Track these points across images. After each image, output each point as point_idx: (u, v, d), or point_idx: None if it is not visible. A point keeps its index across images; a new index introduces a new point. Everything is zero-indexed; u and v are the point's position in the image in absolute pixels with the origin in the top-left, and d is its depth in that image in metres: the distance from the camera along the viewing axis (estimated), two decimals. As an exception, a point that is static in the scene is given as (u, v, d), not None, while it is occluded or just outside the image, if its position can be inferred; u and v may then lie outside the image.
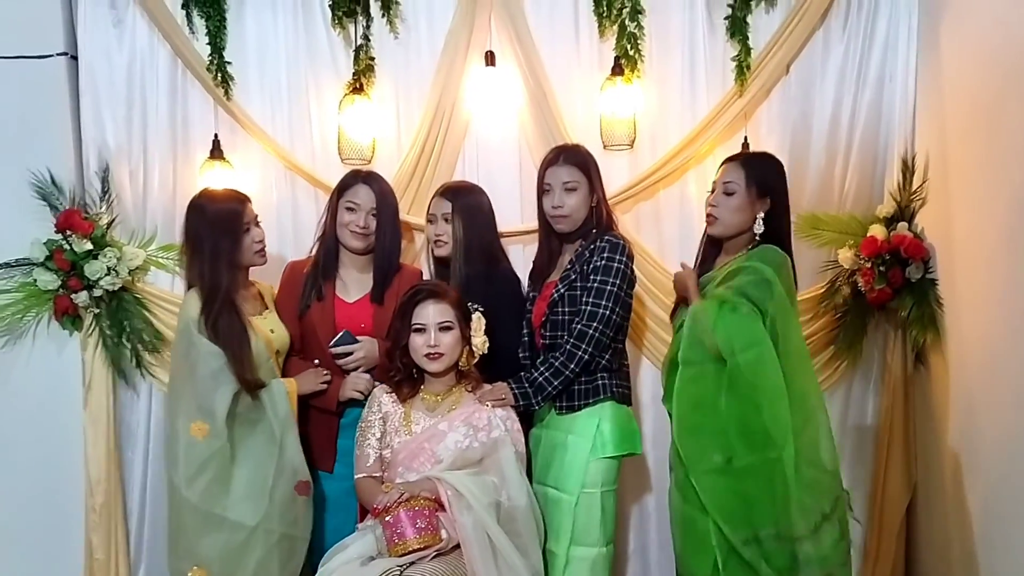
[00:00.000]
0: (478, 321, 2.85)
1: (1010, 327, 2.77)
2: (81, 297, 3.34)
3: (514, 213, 3.34)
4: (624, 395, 2.93)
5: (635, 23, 3.39)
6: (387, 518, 2.55)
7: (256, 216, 2.94)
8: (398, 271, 3.05)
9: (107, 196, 3.46)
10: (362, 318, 3.00)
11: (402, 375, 2.85)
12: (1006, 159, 2.80)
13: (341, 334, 2.92)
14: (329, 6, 3.41)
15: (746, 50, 3.39)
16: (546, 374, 2.83)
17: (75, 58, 3.49)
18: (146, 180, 3.52)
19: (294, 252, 3.48)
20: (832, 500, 2.58)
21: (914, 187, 3.36)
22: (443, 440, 2.77)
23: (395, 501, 2.57)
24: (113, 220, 3.47)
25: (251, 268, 2.99)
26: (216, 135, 3.46)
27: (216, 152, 3.44)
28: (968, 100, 3.06)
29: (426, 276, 3.21)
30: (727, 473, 2.59)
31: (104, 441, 3.44)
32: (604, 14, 3.42)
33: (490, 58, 3.40)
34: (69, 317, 3.40)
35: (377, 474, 2.81)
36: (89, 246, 3.32)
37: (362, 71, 3.44)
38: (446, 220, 3.05)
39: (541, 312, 2.95)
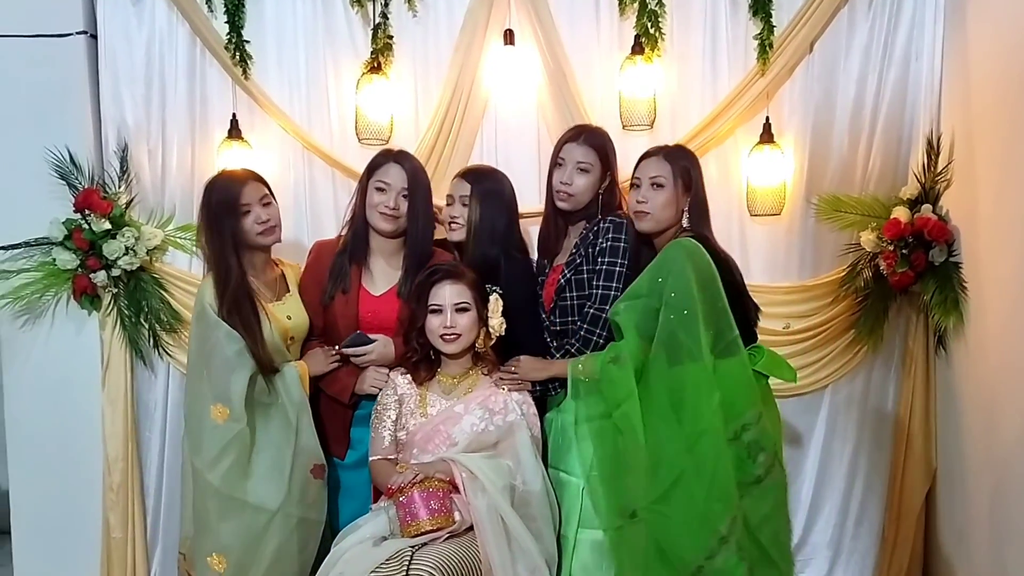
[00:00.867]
0: (495, 303, 2.83)
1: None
2: (99, 277, 3.35)
3: (532, 193, 3.30)
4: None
5: (656, 1, 3.35)
6: (401, 498, 2.55)
7: (263, 196, 2.90)
8: (430, 256, 2.98)
9: (126, 175, 3.46)
10: (387, 313, 2.93)
11: (419, 356, 2.84)
12: (1034, 140, 2.75)
13: (354, 335, 2.88)
14: (348, -16, 3.40)
15: (769, 28, 3.33)
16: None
17: (94, 37, 3.48)
18: (164, 159, 3.52)
19: (311, 232, 3.49)
20: (728, 522, 2.52)
21: (939, 168, 3.30)
22: (459, 423, 2.76)
23: (409, 482, 2.56)
24: (132, 200, 3.47)
25: (275, 247, 2.99)
26: (234, 114, 3.45)
27: (234, 132, 3.43)
28: (995, 79, 3.00)
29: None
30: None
31: (122, 421, 3.46)
32: (624, -9, 3.37)
33: (509, 37, 3.36)
34: (88, 297, 3.41)
35: (392, 456, 2.80)
36: (107, 226, 3.33)
37: (380, 50, 3.42)
38: (464, 203, 3.00)
39: (549, 297, 2.93)
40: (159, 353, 3.51)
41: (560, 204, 2.93)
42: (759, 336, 2.86)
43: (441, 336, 2.76)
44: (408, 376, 2.86)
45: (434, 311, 2.77)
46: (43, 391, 3.50)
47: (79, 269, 3.36)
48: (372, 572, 2.40)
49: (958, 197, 3.24)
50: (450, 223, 3.04)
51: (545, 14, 3.39)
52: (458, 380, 2.85)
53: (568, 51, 3.43)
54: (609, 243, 2.81)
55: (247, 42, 3.42)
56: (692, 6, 3.42)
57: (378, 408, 2.86)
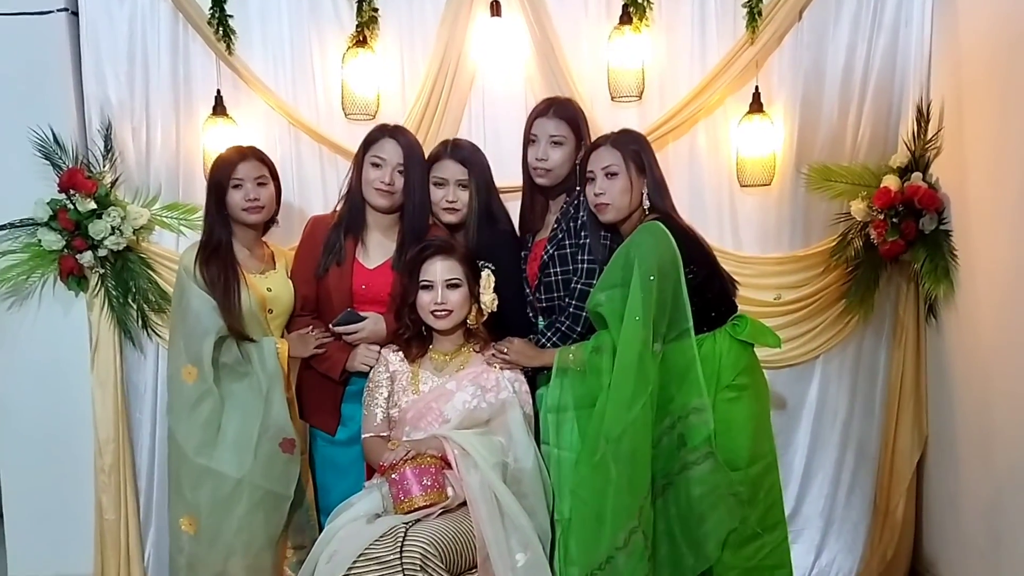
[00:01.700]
0: (487, 279, 2.81)
1: (1026, 279, 2.73)
2: (86, 257, 3.32)
3: (518, 166, 3.28)
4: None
5: (644, -30, 3.31)
6: (393, 475, 2.55)
7: (260, 176, 2.91)
8: (427, 231, 2.96)
9: (110, 154, 3.42)
10: (380, 286, 2.92)
11: (410, 333, 2.83)
12: (1024, 106, 2.73)
13: (345, 312, 2.87)
14: (331, -44, 3.35)
15: (758, -5, 3.30)
16: (554, 339, 2.81)
17: (76, 14, 3.44)
18: (149, 138, 3.48)
19: (298, 208, 3.46)
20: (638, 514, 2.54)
21: (929, 136, 3.28)
22: (451, 400, 2.75)
23: (401, 459, 2.56)
24: (117, 179, 3.44)
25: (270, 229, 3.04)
26: (219, 91, 3.41)
27: (219, 108, 3.40)
28: (985, 45, 2.98)
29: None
30: None
31: (112, 402, 3.44)
32: (612, -40, 3.34)
33: (495, 8, 3.33)
34: (75, 278, 3.38)
35: (384, 433, 2.80)
36: (93, 205, 3.30)
37: (365, 23, 3.38)
38: (462, 186, 2.95)
39: (533, 274, 2.91)
40: (148, 333, 3.49)
41: (539, 180, 2.90)
42: (749, 308, 2.86)
43: (432, 312, 2.75)
44: (400, 353, 2.84)
45: (425, 287, 2.76)
46: (31, 374, 3.48)
47: (65, 250, 3.34)
48: (366, 549, 2.40)
49: (948, 165, 3.23)
50: (446, 207, 2.97)
51: (532, -16, 3.36)
52: (450, 357, 2.84)
53: (555, 22, 3.40)
54: (591, 216, 2.79)
55: (230, 16, 3.38)
56: (680, -26, 3.38)
57: (370, 385, 2.85)
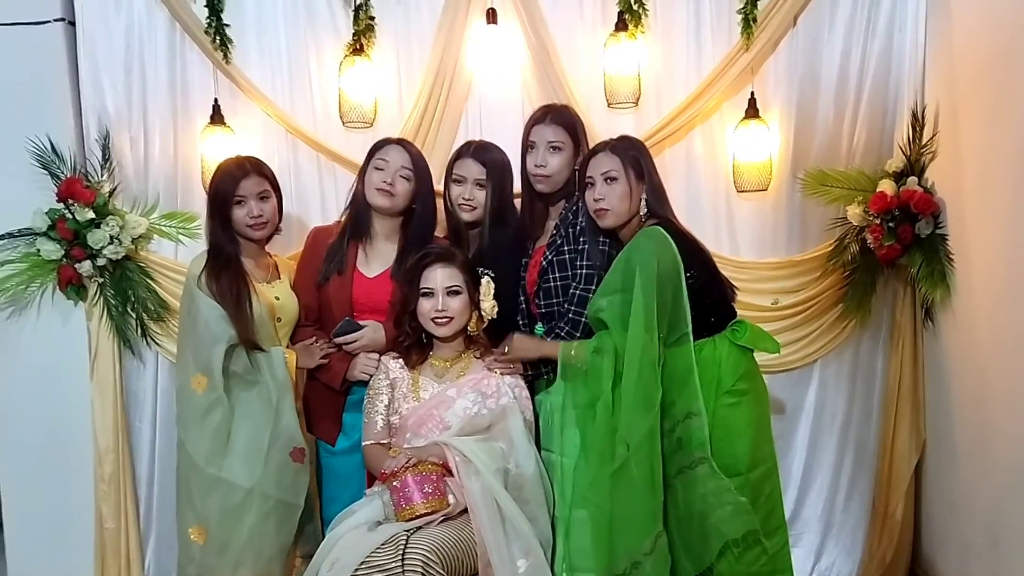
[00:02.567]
0: (487, 285, 2.82)
1: (1021, 282, 2.74)
2: (85, 267, 3.32)
3: (518, 173, 3.29)
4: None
5: (638, -24, 3.33)
6: (394, 483, 2.55)
7: (263, 191, 2.93)
8: (430, 242, 2.98)
9: (108, 164, 3.43)
10: (380, 295, 2.94)
11: (411, 340, 2.84)
12: (1018, 109, 2.74)
13: (343, 322, 2.89)
14: (327, -36, 3.36)
15: (752, 1, 3.30)
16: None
17: (73, 24, 3.44)
18: (147, 147, 3.49)
19: (296, 217, 3.46)
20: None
21: (924, 140, 3.30)
22: (451, 406, 2.76)
23: (402, 466, 2.56)
24: (115, 188, 3.44)
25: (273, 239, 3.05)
26: (216, 100, 3.42)
27: (216, 117, 3.41)
28: (979, 49, 3.00)
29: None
30: None
31: (111, 411, 3.44)
32: (606, -33, 3.35)
33: (491, 15, 3.34)
34: (73, 287, 3.38)
35: (385, 441, 2.81)
36: (91, 215, 3.30)
37: (362, 31, 3.39)
38: (479, 186, 2.97)
39: (533, 280, 2.92)
40: (147, 342, 3.49)
41: (538, 187, 2.92)
42: (747, 313, 2.87)
43: (433, 319, 2.76)
44: (400, 360, 2.86)
45: (425, 294, 2.77)
46: (31, 383, 3.48)
47: (64, 259, 3.33)
48: (368, 557, 2.40)
49: (943, 169, 3.24)
50: (461, 204, 3.00)
51: (527, -8, 3.37)
52: (450, 364, 2.85)
53: (551, 29, 3.41)
54: (590, 222, 2.80)
55: (227, 26, 3.38)
56: (675, -19, 3.40)
57: (370, 393, 2.85)
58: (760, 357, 2.83)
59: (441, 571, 2.39)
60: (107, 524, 3.47)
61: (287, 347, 2.95)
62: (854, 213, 3.32)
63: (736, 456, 2.61)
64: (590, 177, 2.78)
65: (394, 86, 3.49)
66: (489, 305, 2.81)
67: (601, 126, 3.35)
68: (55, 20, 3.41)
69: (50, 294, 3.44)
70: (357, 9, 3.39)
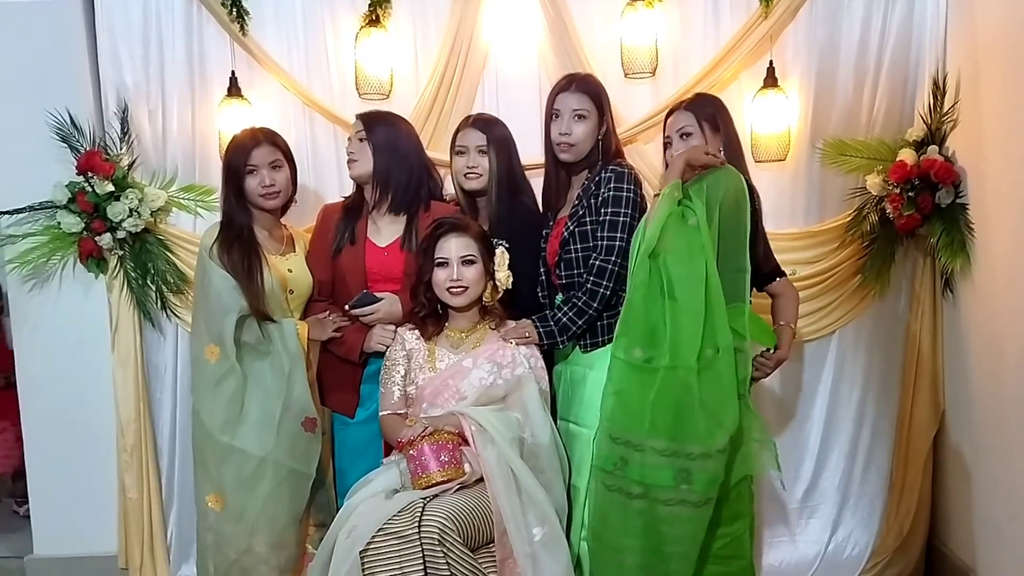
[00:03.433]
0: (501, 256, 2.83)
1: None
2: (105, 239, 3.35)
3: (534, 145, 3.26)
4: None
5: (656, -57, 3.29)
6: (411, 451, 2.57)
7: (275, 160, 2.94)
8: (427, 210, 3.00)
9: (127, 137, 3.45)
10: (393, 264, 2.96)
11: (426, 311, 2.85)
12: (1041, 78, 2.71)
13: (360, 295, 2.90)
14: (344, -65, 3.35)
15: (771, -31, 3.28)
16: (570, 314, 2.81)
17: (91, -3, 3.46)
18: (165, 120, 3.50)
19: (313, 190, 3.48)
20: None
21: (945, 109, 3.26)
22: (467, 377, 2.77)
23: (419, 435, 2.58)
24: (134, 161, 3.46)
25: (288, 211, 3.08)
26: (233, 72, 3.43)
27: (234, 89, 3.42)
28: (1001, 16, 2.96)
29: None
30: None
31: (132, 382, 3.49)
32: (623, -66, 3.32)
33: (508, -15, 3.33)
34: (94, 260, 3.42)
35: (402, 411, 2.82)
36: (111, 188, 3.32)
37: (378, 2, 3.38)
38: (481, 152, 3.00)
39: (554, 251, 2.92)
40: (167, 314, 3.52)
41: (562, 156, 2.91)
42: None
43: (448, 289, 2.77)
44: (416, 331, 2.86)
45: (440, 264, 2.77)
46: (53, 355, 3.53)
47: (84, 232, 3.37)
48: (385, 524, 2.43)
49: (964, 138, 3.21)
50: (466, 173, 3.02)
51: (544, -39, 3.34)
52: (466, 334, 2.86)
53: (568, -2, 3.39)
54: (612, 193, 2.79)
55: (244, -3, 3.40)
56: (692, -52, 3.37)
57: (387, 364, 2.87)
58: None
59: (457, 538, 2.41)
60: (130, 494, 3.52)
61: (299, 320, 2.97)
62: (873, 183, 3.30)
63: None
64: (668, 136, 2.88)
65: (410, 58, 3.48)
66: (504, 275, 2.82)
67: (618, 96, 3.32)
68: (74, -7, 3.42)
69: (71, 267, 3.48)
70: (372, -20, 3.38)
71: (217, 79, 3.47)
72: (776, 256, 3.34)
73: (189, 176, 3.50)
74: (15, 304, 3.53)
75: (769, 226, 3.39)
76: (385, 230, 3.00)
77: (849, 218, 3.41)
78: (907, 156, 3.24)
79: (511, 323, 2.86)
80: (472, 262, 2.77)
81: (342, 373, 3.01)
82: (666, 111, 2.99)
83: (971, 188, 3.17)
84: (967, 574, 3.27)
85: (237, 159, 2.91)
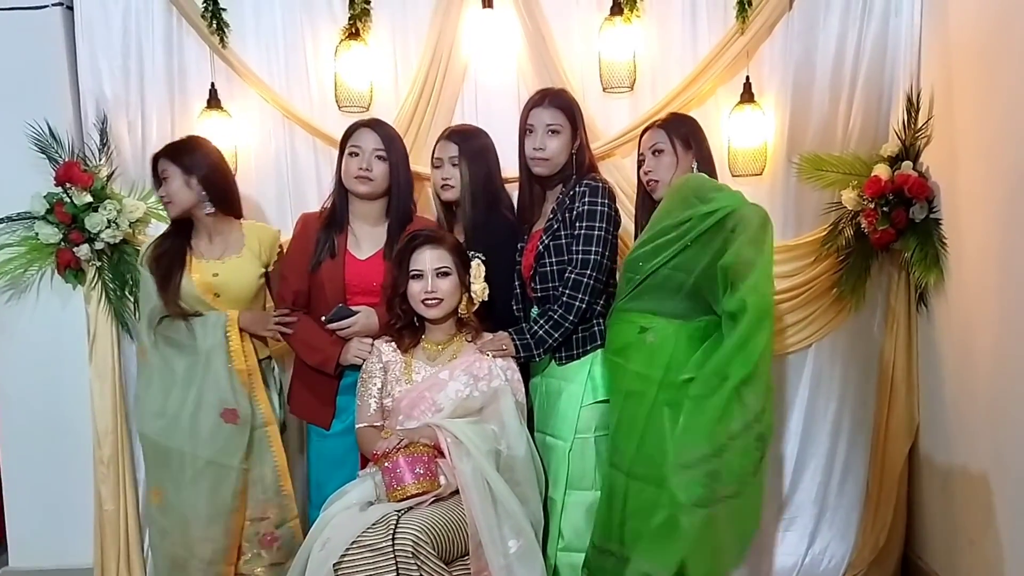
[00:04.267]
0: (477, 268, 2.84)
1: (1015, 267, 2.74)
2: (83, 250, 3.35)
3: (513, 157, 3.30)
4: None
5: (633, -40, 3.32)
6: (386, 464, 2.57)
7: (163, 171, 2.95)
8: (411, 218, 3.01)
9: (106, 148, 3.45)
10: (373, 276, 2.96)
11: (402, 323, 2.85)
12: (1013, 95, 2.74)
13: (336, 308, 2.90)
14: (323, -51, 3.36)
15: (748, -16, 3.31)
16: (546, 327, 2.82)
17: (71, 8, 3.46)
18: (144, 131, 3.50)
19: (293, 200, 3.49)
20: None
21: (919, 124, 3.29)
22: (444, 389, 2.78)
23: (394, 447, 2.58)
24: (113, 172, 3.46)
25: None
26: (213, 84, 3.44)
27: (213, 101, 3.42)
28: (974, 34, 2.99)
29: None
30: None
31: (110, 394, 3.47)
32: (601, -49, 3.35)
33: (487, 0, 3.34)
34: (72, 271, 3.41)
35: (378, 424, 2.83)
36: (89, 199, 3.33)
37: (358, 16, 3.40)
38: (453, 164, 3.03)
39: (529, 264, 2.94)
40: (145, 326, 3.51)
41: (537, 170, 2.93)
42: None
43: (423, 301, 2.78)
44: (393, 344, 2.87)
45: (415, 276, 2.78)
46: (31, 366, 3.52)
47: (62, 243, 3.36)
48: (359, 536, 2.42)
49: (938, 153, 3.24)
50: (442, 185, 3.06)
51: (523, -24, 3.37)
52: (442, 347, 2.86)
53: (547, 13, 3.41)
54: (586, 207, 2.81)
55: (224, 10, 3.40)
56: (670, -36, 3.40)
57: (363, 376, 2.87)
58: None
59: (431, 551, 2.41)
60: (106, 506, 3.50)
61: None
62: (849, 198, 3.32)
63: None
64: (641, 154, 2.92)
65: (390, 71, 3.49)
66: (479, 287, 2.83)
67: (597, 110, 3.37)
68: (53, 4, 3.43)
69: (49, 278, 3.48)
70: (353, -7, 3.39)
71: (197, 91, 3.47)
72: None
73: (168, 187, 3.49)
74: (-8, 315, 3.52)
75: (746, 240, 3.44)
76: (365, 243, 3.00)
77: (825, 232, 3.43)
78: (882, 171, 3.27)
79: (488, 335, 2.88)
80: (447, 274, 2.78)
81: (318, 385, 3.01)
82: (643, 127, 3.03)
83: (944, 203, 3.20)
84: (942, 586, 3.29)
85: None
